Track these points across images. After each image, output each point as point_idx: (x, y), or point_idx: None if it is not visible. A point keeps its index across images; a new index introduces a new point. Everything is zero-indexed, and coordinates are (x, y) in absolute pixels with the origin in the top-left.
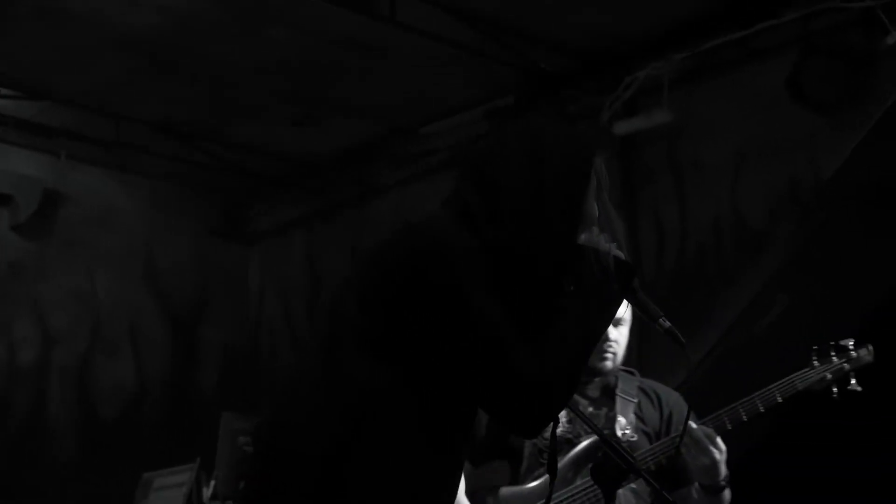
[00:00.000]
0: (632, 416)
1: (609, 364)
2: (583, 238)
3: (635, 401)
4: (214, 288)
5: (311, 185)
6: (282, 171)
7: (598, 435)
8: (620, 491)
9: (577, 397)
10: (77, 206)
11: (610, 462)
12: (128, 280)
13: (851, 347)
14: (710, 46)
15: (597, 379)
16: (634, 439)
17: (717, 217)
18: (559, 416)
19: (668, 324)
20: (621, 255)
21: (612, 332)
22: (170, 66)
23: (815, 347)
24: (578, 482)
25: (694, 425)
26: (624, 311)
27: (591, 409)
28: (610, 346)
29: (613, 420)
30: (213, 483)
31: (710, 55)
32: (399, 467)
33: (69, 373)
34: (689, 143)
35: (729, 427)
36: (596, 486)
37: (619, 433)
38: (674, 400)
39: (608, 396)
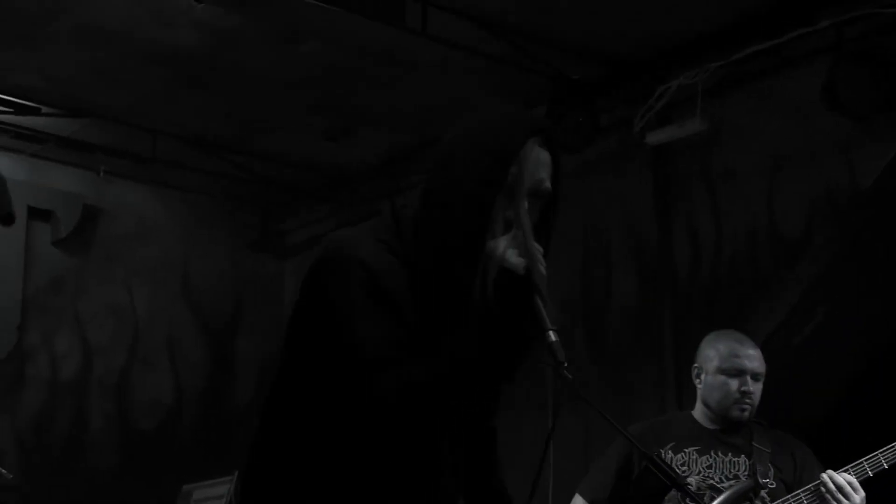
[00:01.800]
0: (769, 465)
1: (746, 415)
2: (487, 248)
3: (769, 451)
4: (250, 300)
5: (344, 197)
6: (315, 183)
7: (644, 456)
8: None
9: (717, 445)
10: (115, 220)
11: (653, 479)
12: (165, 293)
13: None
14: (744, 54)
15: (735, 429)
16: (774, 486)
17: (752, 227)
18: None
19: (553, 338)
20: (516, 262)
21: (752, 385)
22: (205, 81)
23: None
24: None
25: (835, 473)
26: (760, 365)
27: (731, 456)
28: (748, 399)
29: (755, 468)
30: None
31: (743, 63)
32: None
33: (108, 386)
34: (723, 153)
35: (870, 474)
36: None
37: (761, 481)
38: (803, 451)
39: (746, 445)
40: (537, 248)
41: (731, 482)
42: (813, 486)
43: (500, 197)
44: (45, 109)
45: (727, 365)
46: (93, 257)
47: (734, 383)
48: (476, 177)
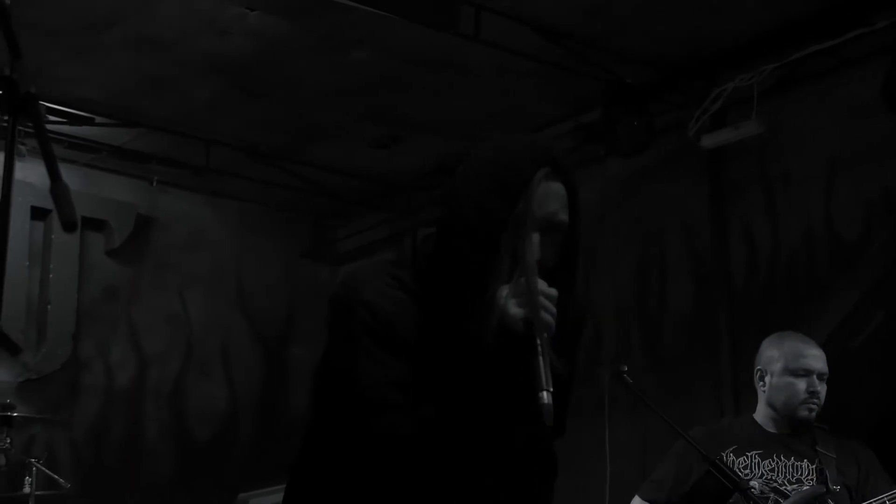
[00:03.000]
0: (834, 471)
1: (813, 415)
2: (491, 294)
3: (834, 456)
4: (303, 308)
5: (396, 204)
6: (368, 191)
7: (706, 459)
8: None
9: (781, 449)
10: (169, 230)
11: (715, 482)
12: (219, 302)
13: None
14: (800, 56)
15: (802, 430)
16: (837, 489)
17: (809, 229)
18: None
19: (546, 400)
20: (515, 314)
21: (818, 385)
22: (257, 90)
23: None
24: None
25: None
26: (825, 366)
27: (794, 460)
28: (815, 399)
29: (823, 473)
30: None
31: (799, 65)
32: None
33: (163, 395)
34: (779, 155)
35: None
36: None
37: (831, 487)
38: (867, 454)
39: (809, 451)
40: (550, 292)
41: (795, 486)
42: (888, 495)
43: (506, 235)
44: (98, 119)
45: (794, 365)
46: (146, 266)
47: (801, 384)
48: (481, 214)
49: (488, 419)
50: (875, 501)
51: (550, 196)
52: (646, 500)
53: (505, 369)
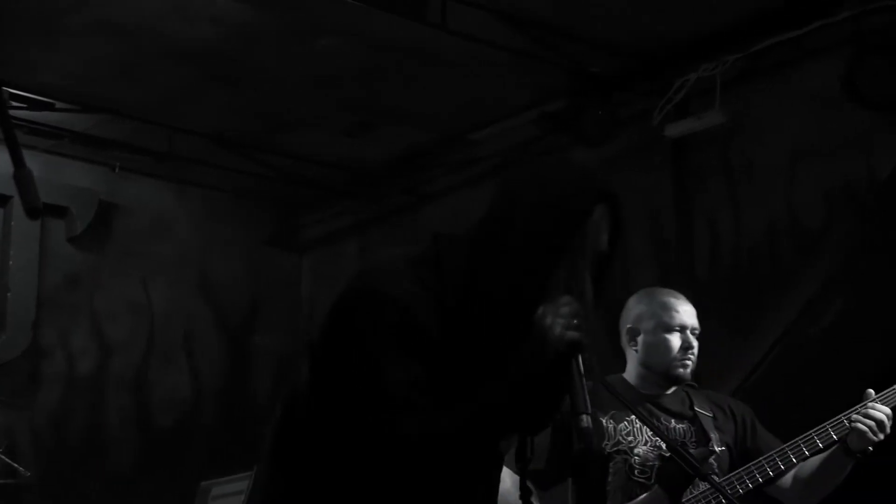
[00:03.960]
0: (714, 431)
1: (688, 372)
2: (539, 312)
3: (711, 415)
4: (267, 297)
5: (362, 193)
6: (334, 179)
7: (667, 443)
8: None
9: (658, 412)
10: (132, 217)
11: (677, 468)
12: (182, 290)
13: None
14: (763, 46)
15: (674, 388)
16: (721, 450)
17: (771, 219)
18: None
19: (585, 423)
20: (571, 336)
21: (693, 340)
22: (222, 77)
23: None
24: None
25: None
26: (695, 321)
27: (675, 423)
28: (691, 355)
29: (704, 435)
30: None
31: (763, 55)
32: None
33: (125, 383)
34: (742, 145)
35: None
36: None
37: (715, 448)
38: (743, 410)
39: (687, 411)
40: (590, 321)
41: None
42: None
43: (562, 265)
44: (59, 105)
45: (668, 321)
46: (108, 254)
47: (676, 339)
48: (541, 239)
49: (510, 430)
50: (776, 454)
51: (603, 231)
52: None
53: (539, 386)
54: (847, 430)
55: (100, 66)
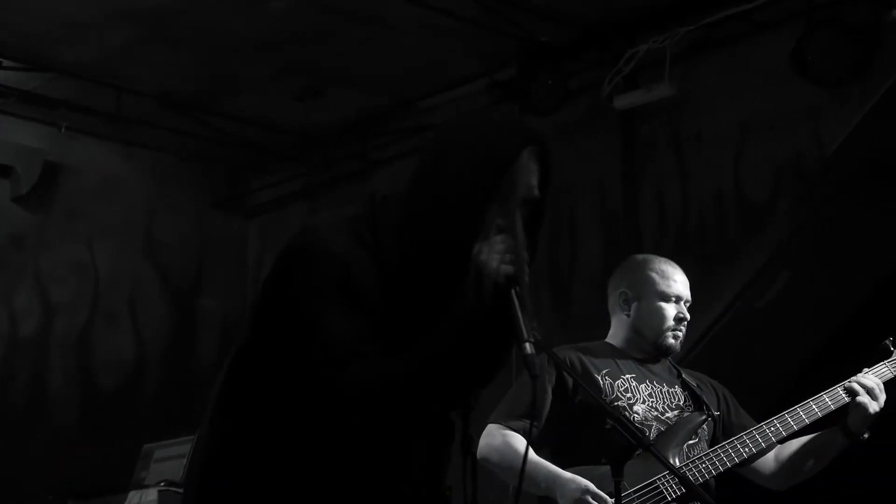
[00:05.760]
0: (704, 398)
1: (678, 344)
2: (475, 249)
3: (695, 384)
4: (214, 260)
5: (312, 157)
6: (283, 143)
7: (607, 412)
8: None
9: (651, 375)
10: (78, 177)
11: (619, 437)
12: (128, 252)
13: None
14: (714, 19)
15: (664, 359)
16: (717, 415)
17: (719, 191)
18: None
19: (529, 350)
20: (507, 269)
21: (687, 313)
22: (172, 38)
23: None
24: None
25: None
26: (689, 293)
27: (666, 388)
28: (683, 327)
29: (697, 400)
30: None
31: (713, 28)
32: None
33: (69, 344)
34: (691, 117)
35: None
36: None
37: (713, 412)
38: (723, 389)
39: (674, 378)
40: (525, 258)
41: (676, 413)
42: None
43: (492, 206)
44: (6, 63)
45: (666, 290)
46: (54, 214)
47: (671, 309)
48: (471, 183)
49: (458, 379)
50: (766, 427)
51: (532, 172)
52: (516, 430)
53: (485, 326)
54: (842, 401)
55: (47, 24)
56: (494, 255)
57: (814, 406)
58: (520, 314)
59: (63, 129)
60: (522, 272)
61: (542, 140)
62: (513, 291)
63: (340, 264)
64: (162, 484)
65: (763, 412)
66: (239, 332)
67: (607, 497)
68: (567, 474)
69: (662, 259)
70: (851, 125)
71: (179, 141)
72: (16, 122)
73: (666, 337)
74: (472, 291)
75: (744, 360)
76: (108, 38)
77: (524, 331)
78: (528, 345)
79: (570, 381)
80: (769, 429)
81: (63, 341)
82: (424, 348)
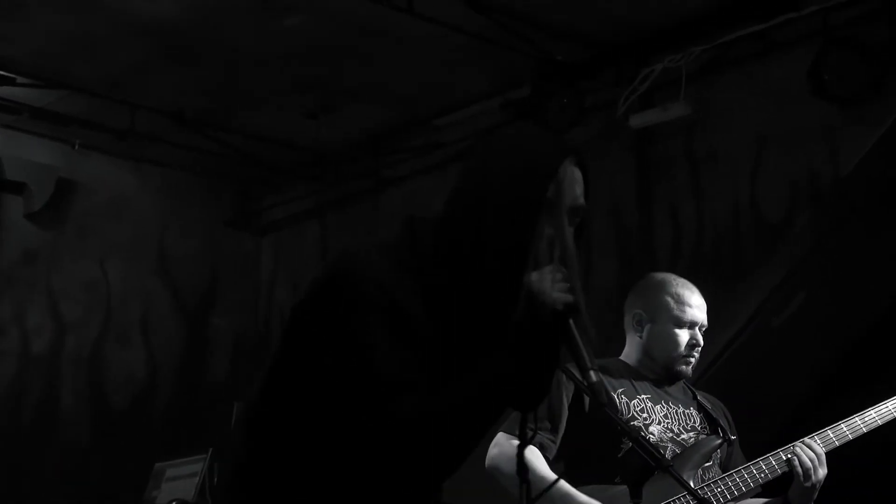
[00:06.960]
0: (721, 419)
1: (690, 370)
2: (529, 278)
3: (710, 406)
4: (226, 277)
5: (324, 175)
6: (295, 161)
7: (626, 431)
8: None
9: (666, 396)
10: (91, 194)
11: (638, 458)
12: (140, 269)
13: None
14: (729, 39)
15: (679, 382)
16: (734, 439)
17: (734, 210)
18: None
19: (594, 378)
20: (566, 298)
21: (701, 338)
22: (185, 55)
23: None
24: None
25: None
26: (705, 317)
27: (682, 408)
28: (696, 352)
29: (713, 423)
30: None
31: (728, 47)
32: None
33: (81, 361)
34: (706, 136)
35: (837, 444)
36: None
37: (730, 437)
38: (724, 406)
39: (689, 400)
40: (580, 286)
41: (691, 435)
42: (783, 450)
43: (542, 219)
44: (20, 79)
45: (681, 316)
46: (66, 231)
47: (685, 336)
48: (519, 193)
49: (510, 403)
50: (781, 451)
51: (576, 181)
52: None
53: (540, 352)
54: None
55: (61, 40)
56: (552, 283)
57: (860, 422)
58: (581, 343)
59: (76, 146)
60: (580, 300)
61: (580, 150)
62: (572, 322)
63: (384, 290)
64: (174, 503)
65: (778, 432)
66: (265, 355)
67: None
68: (583, 497)
69: (680, 281)
70: (867, 145)
71: (192, 158)
72: (29, 138)
73: (678, 363)
74: (529, 320)
75: (759, 379)
76: (121, 55)
77: (587, 359)
78: (592, 373)
79: (586, 400)
80: (784, 454)
81: (75, 358)
82: (482, 375)
